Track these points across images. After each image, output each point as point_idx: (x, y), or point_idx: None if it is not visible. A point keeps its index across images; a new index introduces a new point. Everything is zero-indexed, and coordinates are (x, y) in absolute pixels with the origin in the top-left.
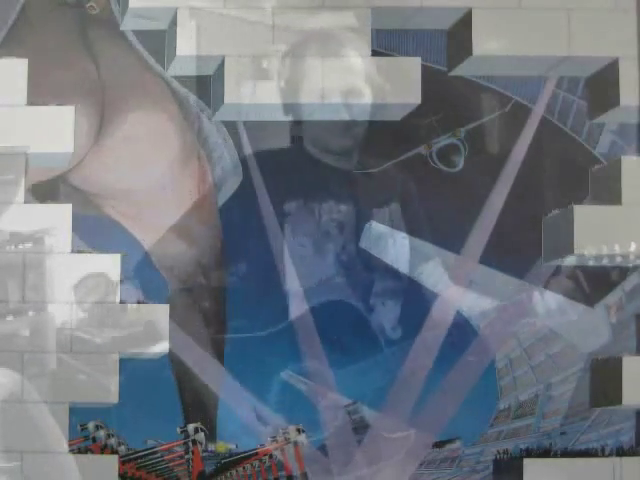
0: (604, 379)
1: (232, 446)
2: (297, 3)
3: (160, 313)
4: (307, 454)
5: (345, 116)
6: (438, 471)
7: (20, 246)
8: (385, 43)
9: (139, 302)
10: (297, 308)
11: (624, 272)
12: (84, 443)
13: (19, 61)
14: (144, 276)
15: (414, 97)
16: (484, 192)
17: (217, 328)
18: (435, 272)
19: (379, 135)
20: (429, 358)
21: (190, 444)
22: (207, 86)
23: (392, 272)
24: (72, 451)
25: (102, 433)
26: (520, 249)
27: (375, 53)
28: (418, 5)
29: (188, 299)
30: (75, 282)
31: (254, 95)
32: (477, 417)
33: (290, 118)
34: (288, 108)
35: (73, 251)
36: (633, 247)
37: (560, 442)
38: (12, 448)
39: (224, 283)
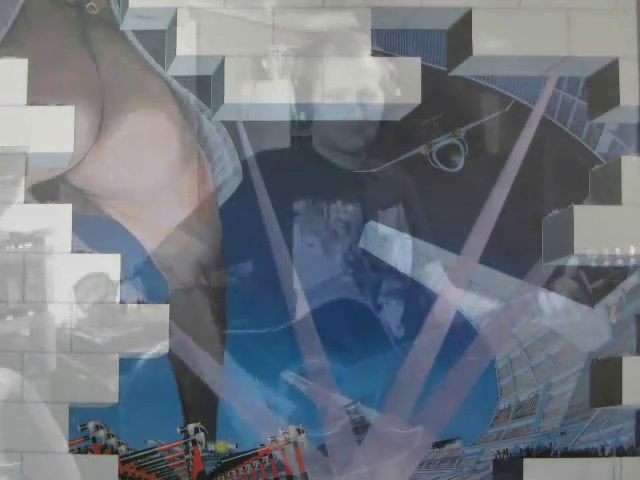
0: (604, 379)
1: (232, 446)
2: (297, 3)
3: (160, 313)
4: (307, 454)
5: (345, 116)
6: (438, 471)
7: (20, 246)
8: (385, 43)
9: (139, 302)
10: (297, 308)
11: (624, 272)
12: (84, 443)
13: (19, 61)
14: (144, 276)
15: (414, 97)
16: (484, 192)
17: (217, 328)
18: (435, 272)
19: (379, 135)
20: (429, 358)
21: (190, 444)
22: (207, 86)
23: (392, 272)
24: (72, 451)
25: (102, 433)
26: (520, 249)
27: (375, 53)
28: (418, 5)
29: (188, 299)
30: (75, 282)
31: (254, 95)
32: (477, 417)
33: (295, 118)
34: (295, 108)
35: (73, 251)
36: (633, 247)
37: (560, 442)
38: (12, 448)
39: (224, 283)
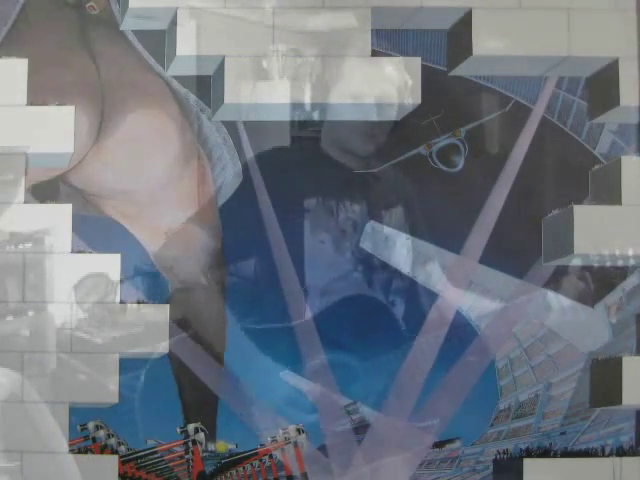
0: (604, 379)
1: (232, 446)
2: (297, 3)
3: (160, 313)
4: (307, 454)
5: (345, 116)
6: (438, 471)
7: (20, 246)
8: (385, 43)
9: (139, 302)
10: (297, 308)
11: (624, 272)
12: (84, 443)
13: (19, 61)
14: (144, 276)
15: (414, 97)
16: (484, 192)
17: (217, 328)
18: (435, 272)
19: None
20: (429, 358)
21: (190, 444)
22: (207, 86)
23: (392, 272)
24: (72, 451)
25: (102, 433)
26: (520, 249)
27: (375, 53)
28: (418, 5)
29: (188, 299)
30: (75, 282)
31: (254, 95)
32: (477, 417)
33: (294, 118)
34: (294, 108)
35: (73, 251)
36: (633, 247)
37: (560, 442)
38: (12, 448)
39: (224, 283)
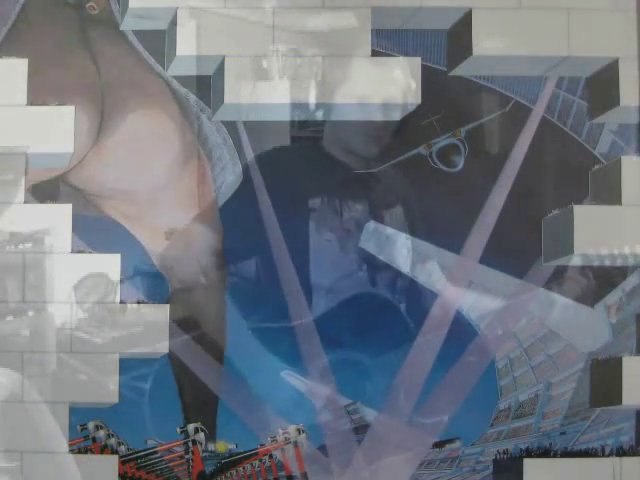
0: (604, 379)
1: (232, 446)
2: (297, 3)
3: (160, 313)
4: (307, 454)
5: (345, 116)
6: (438, 471)
7: (20, 246)
8: (385, 43)
9: (139, 302)
10: (297, 308)
11: (624, 272)
12: (84, 443)
13: (19, 61)
14: (144, 276)
15: (414, 97)
16: (484, 192)
17: (217, 328)
18: (435, 272)
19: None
20: (429, 358)
21: (190, 444)
22: (207, 86)
23: (392, 272)
24: (72, 451)
25: (102, 433)
26: (520, 249)
27: (375, 53)
28: (418, 5)
29: (188, 299)
30: (75, 282)
31: (254, 95)
32: (477, 417)
33: (295, 118)
34: (294, 108)
35: (73, 251)
36: (633, 247)
37: (560, 442)
38: (12, 448)
39: (224, 283)
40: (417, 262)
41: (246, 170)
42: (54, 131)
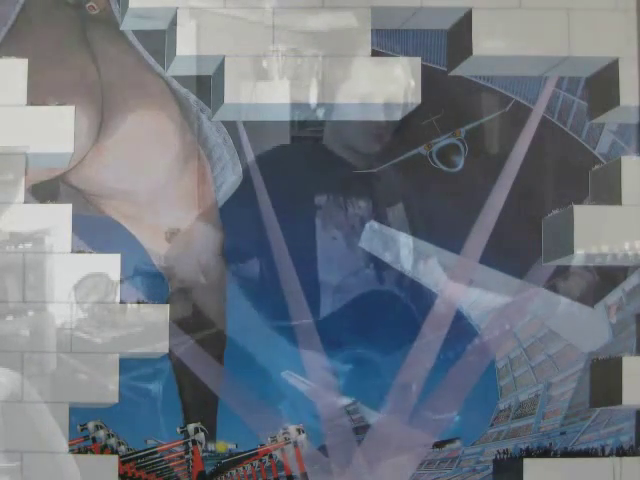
0: (604, 379)
1: (232, 446)
2: (297, 3)
3: (160, 313)
4: (307, 454)
5: (344, 116)
6: (438, 471)
7: (20, 246)
8: (385, 43)
9: (139, 302)
10: (297, 308)
11: (624, 272)
12: (84, 443)
13: (19, 61)
14: (144, 276)
15: (414, 97)
16: (484, 192)
17: (217, 328)
18: (435, 272)
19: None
20: (429, 358)
21: (190, 444)
22: (207, 86)
23: (392, 272)
24: (72, 451)
25: (102, 433)
26: (520, 249)
27: (375, 53)
28: (418, 5)
29: (188, 299)
30: (75, 282)
31: (254, 95)
32: (477, 417)
33: (295, 118)
34: (294, 108)
35: (73, 251)
36: (633, 247)
37: (560, 442)
38: (12, 448)
39: (224, 283)
40: (417, 262)
41: (246, 170)
42: (54, 131)
